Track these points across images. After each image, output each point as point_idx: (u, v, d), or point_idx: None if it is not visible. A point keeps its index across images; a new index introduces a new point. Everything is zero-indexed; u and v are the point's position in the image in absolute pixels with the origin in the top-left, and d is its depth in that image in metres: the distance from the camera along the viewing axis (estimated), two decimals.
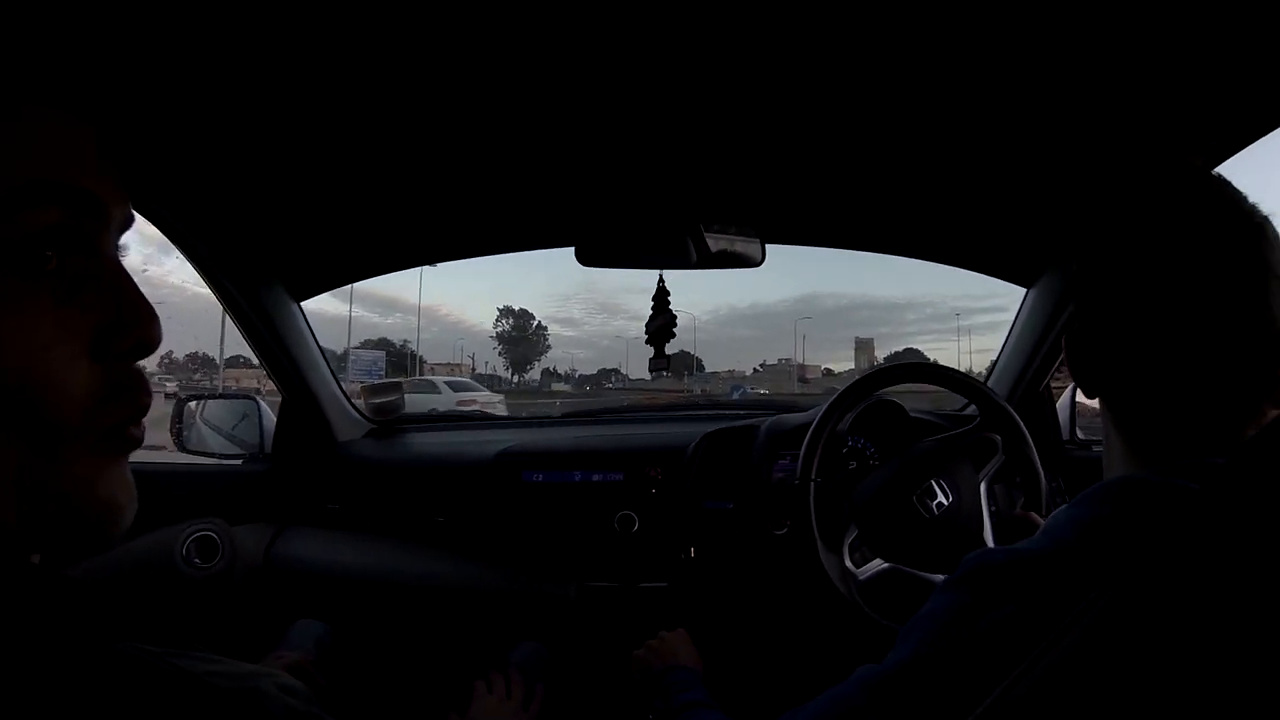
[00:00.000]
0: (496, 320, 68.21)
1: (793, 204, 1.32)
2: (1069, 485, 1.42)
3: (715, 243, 1.28)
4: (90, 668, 0.33)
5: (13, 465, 0.35)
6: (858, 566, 1.19)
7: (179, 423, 1.64)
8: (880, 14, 0.73)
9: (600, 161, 1.14)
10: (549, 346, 71.68)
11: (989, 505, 1.21)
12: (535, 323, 69.38)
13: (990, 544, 1.15)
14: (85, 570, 1.28)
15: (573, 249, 1.31)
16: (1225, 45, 0.78)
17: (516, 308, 70.45)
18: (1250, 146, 0.95)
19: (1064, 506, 0.58)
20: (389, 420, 1.79)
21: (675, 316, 1.31)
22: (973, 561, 0.57)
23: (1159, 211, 0.56)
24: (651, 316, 1.29)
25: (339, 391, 1.71)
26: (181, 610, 1.42)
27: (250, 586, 1.49)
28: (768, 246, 1.33)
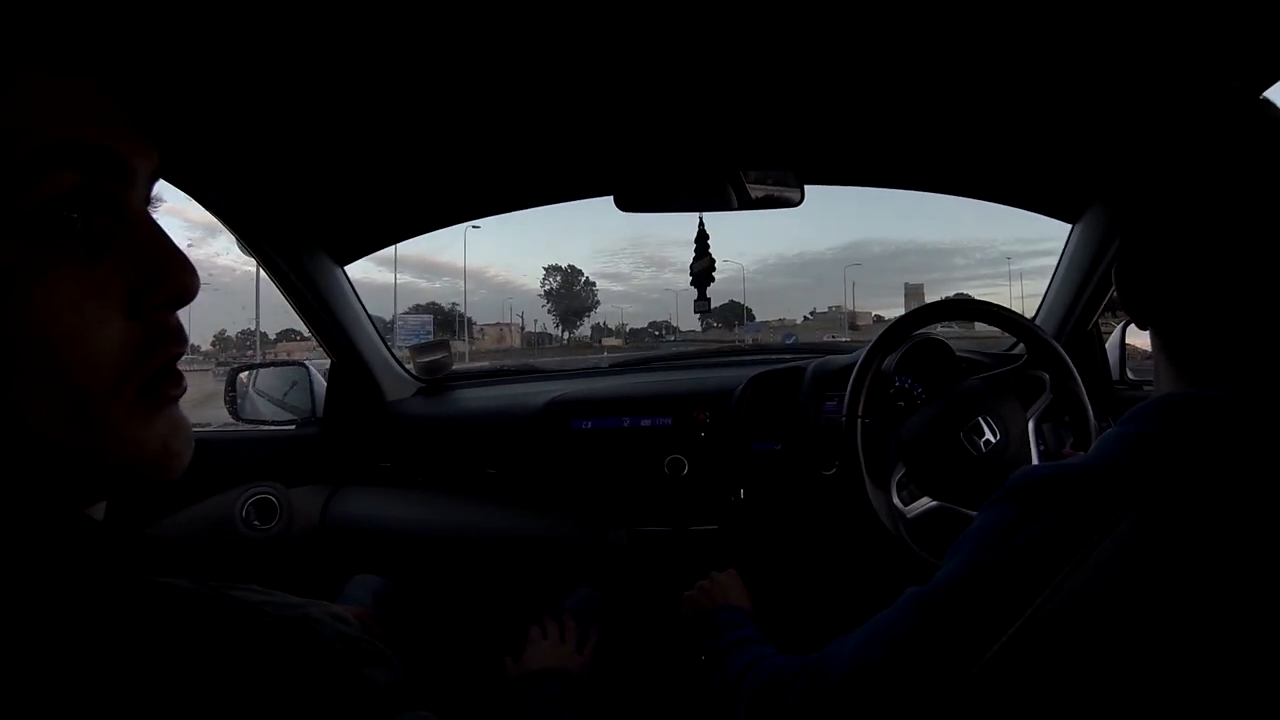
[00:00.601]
0: (544, 278, 68.39)
1: (831, 143, 1.31)
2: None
3: (754, 183, 1.28)
4: (144, 599, 0.33)
5: (60, 423, 0.36)
6: (906, 504, 1.19)
7: (232, 392, 1.68)
8: None
9: (637, 107, 1.13)
10: (598, 302, 71.43)
11: (1037, 444, 1.20)
12: (583, 279, 69.27)
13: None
14: (151, 533, 1.33)
15: (612, 198, 1.31)
16: None
17: (564, 265, 71.00)
18: None
19: (1113, 427, 0.58)
20: (437, 378, 1.82)
21: (714, 260, 1.31)
22: (1017, 478, 0.57)
23: (1203, 137, 0.55)
24: (695, 259, 1.30)
25: (386, 353, 1.74)
26: (242, 570, 1.46)
27: (308, 546, 1.54)
28: (809, 188, 1.32)
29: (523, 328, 64.46)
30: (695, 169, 1.29)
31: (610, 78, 1.03)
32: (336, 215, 1.44)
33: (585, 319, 67.46)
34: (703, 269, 1.30)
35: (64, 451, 0.36)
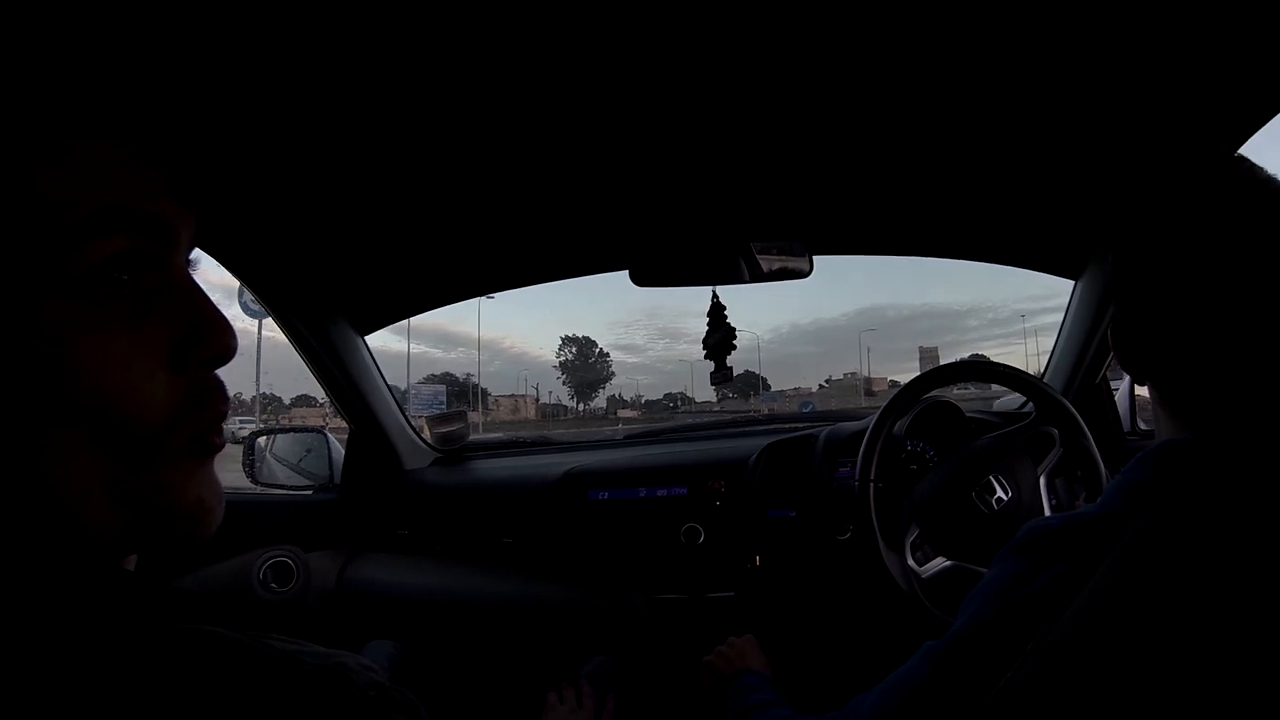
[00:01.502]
0: (559, 349, 68.15)
1: (837, 213, 1.35)
2: None
3: (764, 256, 1.31)
4: (185, 647, 0.35)
5: (102, 476, 0.38)
6: (920, 565, 1.20)
7: (251, 456, 1.70)
8: (912, 22, 0.76)
9: (649, 184, 1.18)
10: (613, 374, 71.02)
11: (1049, 499, 1.21)
12: (598, 350, 68.94)
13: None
14: None
15: (627, 273, 1.35)
16: (1240, 30, 0.80)
17: (579, 335, 69.92)
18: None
19: (1117, 476, 0.60)
20: (454, 449, 1.84)
21: (734, 329, 1.34)
22: (1026, 530, 0.60)
23: (1187, 198, 0.58)
24: (709, 332, 1.33)
25: (405, 422, 1.76)
26: (258, 626, 1.46)
27: (324, 610, 1.54)
28: (819, 258, 1.36)
29: (538, 399, 64.23)
30: (707, 243, 1.33)
31: (623, 155, 1.07)
32: (359, 285, 1.48)
33: (600, 390, 67.34)
34: (719, 340, 1.33)
35: (105, 504, 0.38)
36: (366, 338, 1.64)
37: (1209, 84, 0.91)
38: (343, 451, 1.73)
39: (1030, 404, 1.44)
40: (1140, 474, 0.56)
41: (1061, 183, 1.21)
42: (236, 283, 1.37)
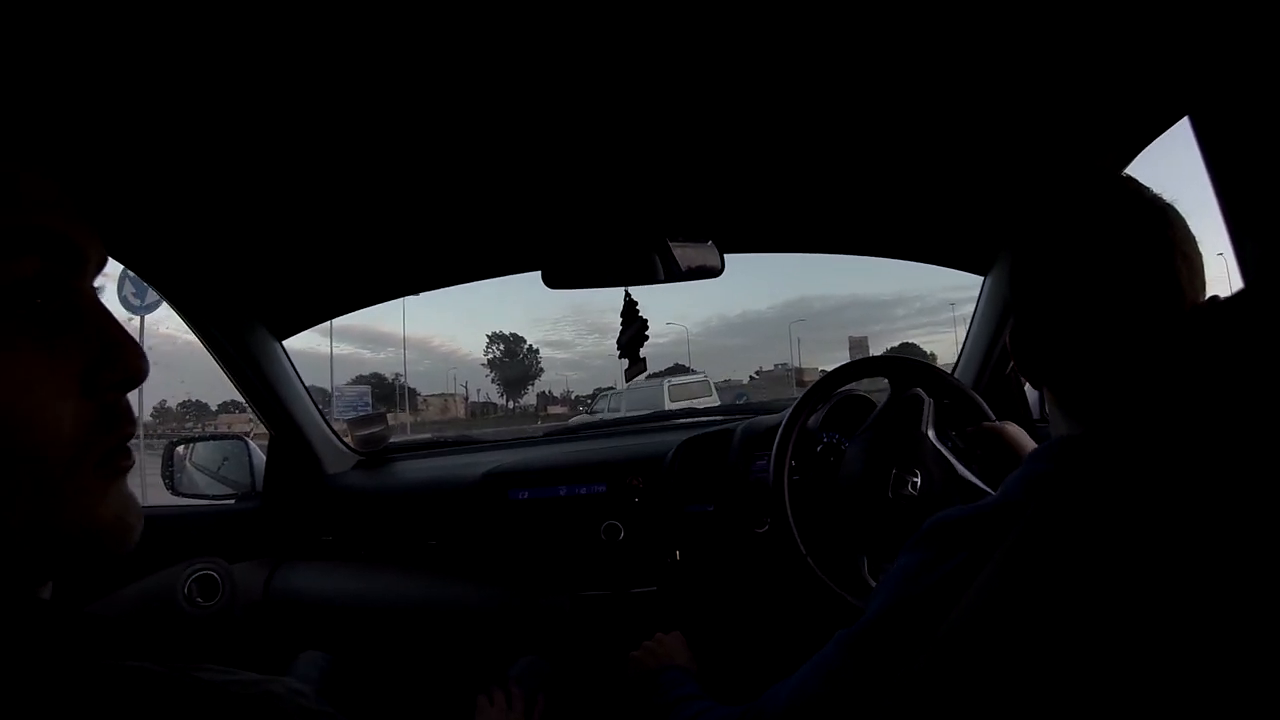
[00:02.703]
0: (487, 346, 66.28)
1: (747, 211, 1.36)
2: None
3: (676, 255, 1.32)
4: (111, 683, 0.35)
5: (15, 503, 0.38)
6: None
7: (170, 466, 1.67)
8: (826, 18, 0.77)
9: (561, 184, 1.18)
10: (542, 370, 69.35)
11: (945, 446, 1.24)
12: (526, 346, 67.16)
13: (978, 484, 1.19)
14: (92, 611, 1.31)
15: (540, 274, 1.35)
16: (1130, 54, 0.84)
17: (507, 333, 68.16)
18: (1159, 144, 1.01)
19: (1017, 469, 0.63)
20: (376, 450, 1.83)
21: (646, 322, 1.35)
22: (930, 522, 0.63)
23: (1074, 213, 0.61)
24: (622, 330, 1.34)
25: (325, 426, 1.75)
26: (186, 648, 1.45)
27: (251, 622, 1.53)
28: (741, 255, 1.38)
29: (467, 398, 62.97)
30: (619, 244, 1.33)
31: (534, 156, 1.06)
32: (274, 290, 1.46)
33: (530, 387, 66.10)
34: (633, 336, 1.34)
35: (20, 529, 0.38)
36: (285, 341, 1.61)
37: (1103, 100, 0.95)
38: (264, 458, 1.71)
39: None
40: (1040, 466, 0.59)
41: (968, 181, 1.24)
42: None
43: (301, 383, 1.66)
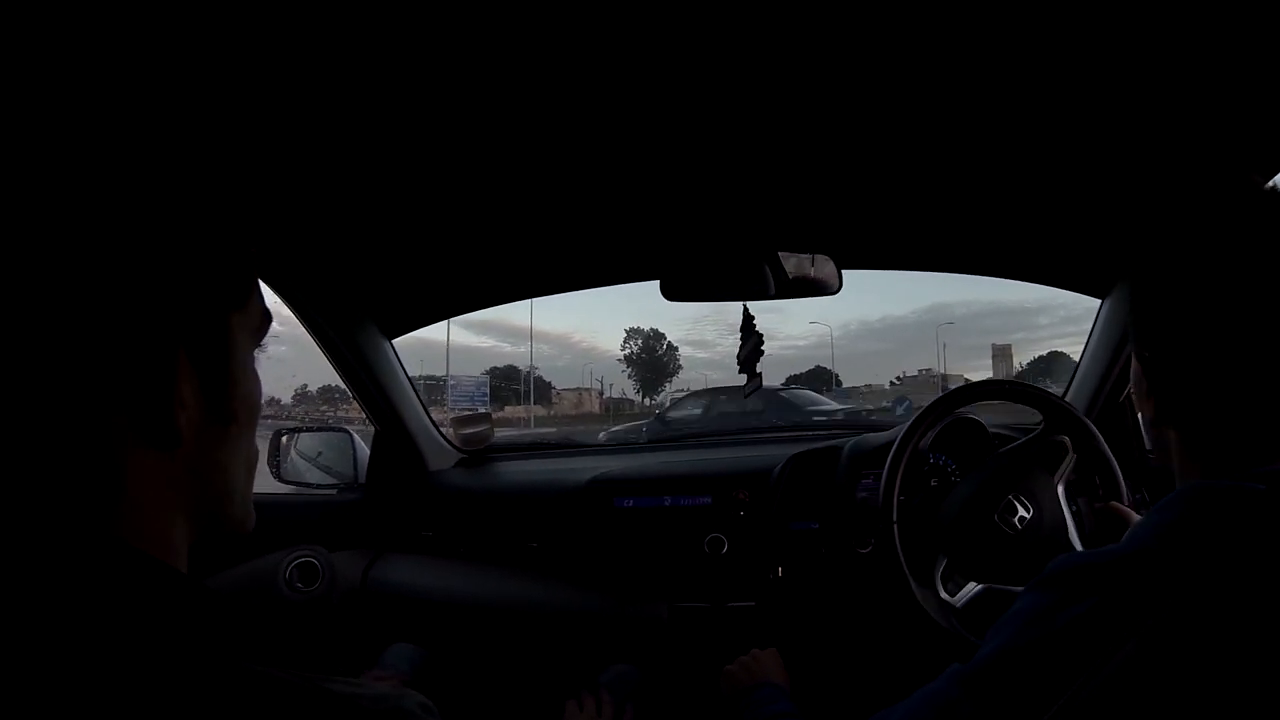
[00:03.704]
0: (624, 342, 65.49)
1: (868, 228, 1.35)
2: (1153, 496, 1.41)
3: (793, 271, 1.32)
4: (246, 689, 0.37)
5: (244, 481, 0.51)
6: (953, 595, 1.20)
7: (276, 455, 1.72)
8: (949, 38, 0.76)
9: (679, 195, 1.18)
10: (680, 367, 67.50)
11: (1069, 507, 1.21)
12: (665, 343, 65.82)
13: (1078, 546, 1.16)
14: None
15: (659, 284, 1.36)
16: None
17: (646, 329, 66.39)
18: None
19: (1143, 517, 0.61)
20: (478, 450, 1.86)
21: (762, 337, 1.35)
22: (1056, 564, 0.61)
23: (1230, 236, 0.57)
24: (741, 344, 1.34)
25: (430, 423, 1.78)
26: (285, 631, 1.49)
27: (348, 609, 1.57)
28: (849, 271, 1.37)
29: (602, 393, 62.20)
30: (738, 258, 1.34)
31: (653, 165, 1.07)
32: (386, 291, 1.50)
33: (667, 385, 63.90)
34: (750, 351, 1.34)
35: (240, 504, 0.51)
36: (394, 341, 1.66)
37: (1246, 111, 0.91)
38: (368, 451, 1.75)
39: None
40: (1171, 514, 0.56)
41: (1090, 202, 1.21)
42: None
43: (410, 380, 1.70)
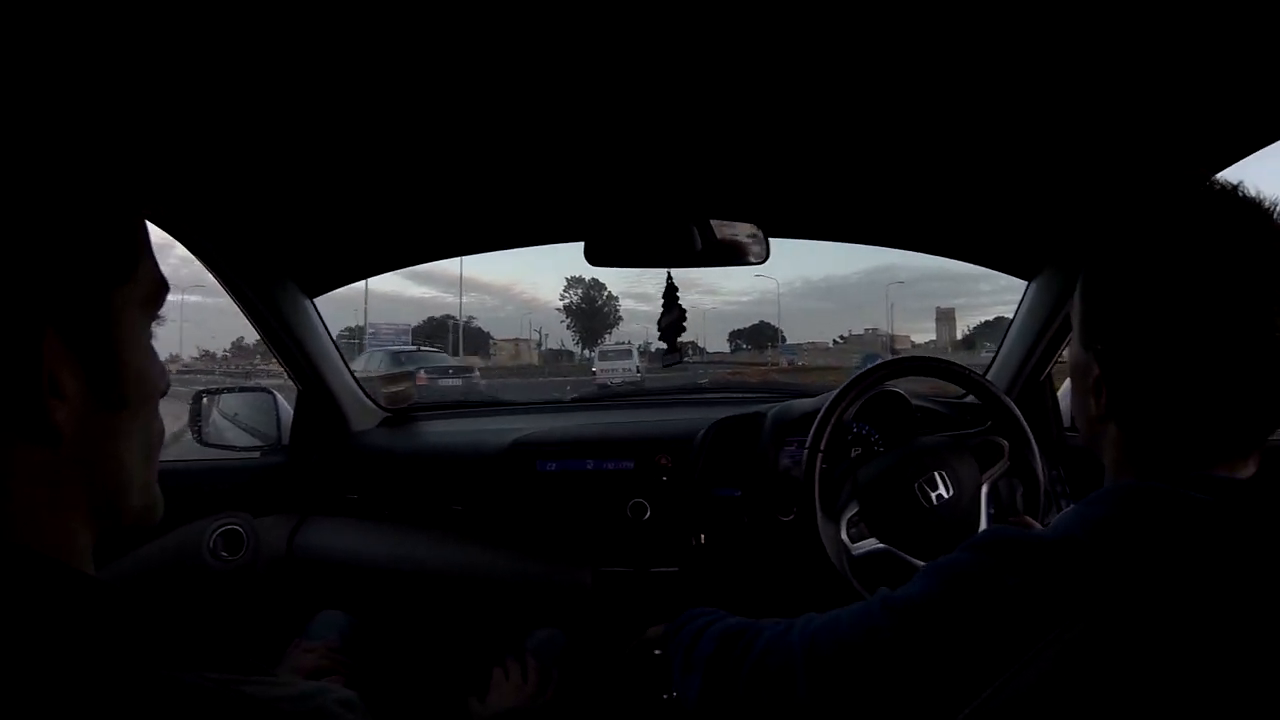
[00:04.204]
0: (564, 291, 63.79)
1: (796, 198, 1.34)
2: (1068, 474, 1.46)
3: (721, 238, 1.30)
4: (161, 697, 0.36)
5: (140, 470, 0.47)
6: (853, 541, 1.22)
7: (198, 418, 1.67)
8: (885, 10, 0.74)
9: (606, 157, 1.15)
10: (621, 318, 66.40)
11: (989, 507, 1.23)
12: (606, 294, 64.53)
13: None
14: (119, 566, 1.33)
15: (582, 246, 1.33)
16: (1232, 53, 0.79)
17: (587, 278, 64.45)
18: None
19: (1072, 506, 0.62)
20: (402, 408, 1.83)
21: (685, 311, 1.33)
22: (990, 533, 0.63)
23: (1198, 236, 0.56)
24: (663, 313, 1.32)
25: (353, 383, 1.75)
26: (210, 602, 1.47)
27: (274, 576, 1.55)
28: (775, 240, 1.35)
29: (540, 344, 61.02)
30: (663, 223, 1.31)
31: (581, 127, 1.04)
32: (306, 249, 1.45)
33: (607, 336, 62.34)
34: (672, 322, 1.33)
35: (142, 492, 0.48)
36: (316, 299, 1.61)
37: (1198, 109, 0.91)
38: (290, 411, 1.71)
39: (970, 396, 1.46)
40: (1101, 510, 0.58)
41: (1024, 186, 1.21)
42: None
43: (332, 340, 1.66)
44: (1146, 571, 0.51)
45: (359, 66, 0.84)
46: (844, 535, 1.23)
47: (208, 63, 0.81)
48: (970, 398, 1.54)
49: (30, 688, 0.34)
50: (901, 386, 1.50)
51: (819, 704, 0.65)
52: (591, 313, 62.94)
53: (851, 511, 1.24)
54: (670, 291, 1.32)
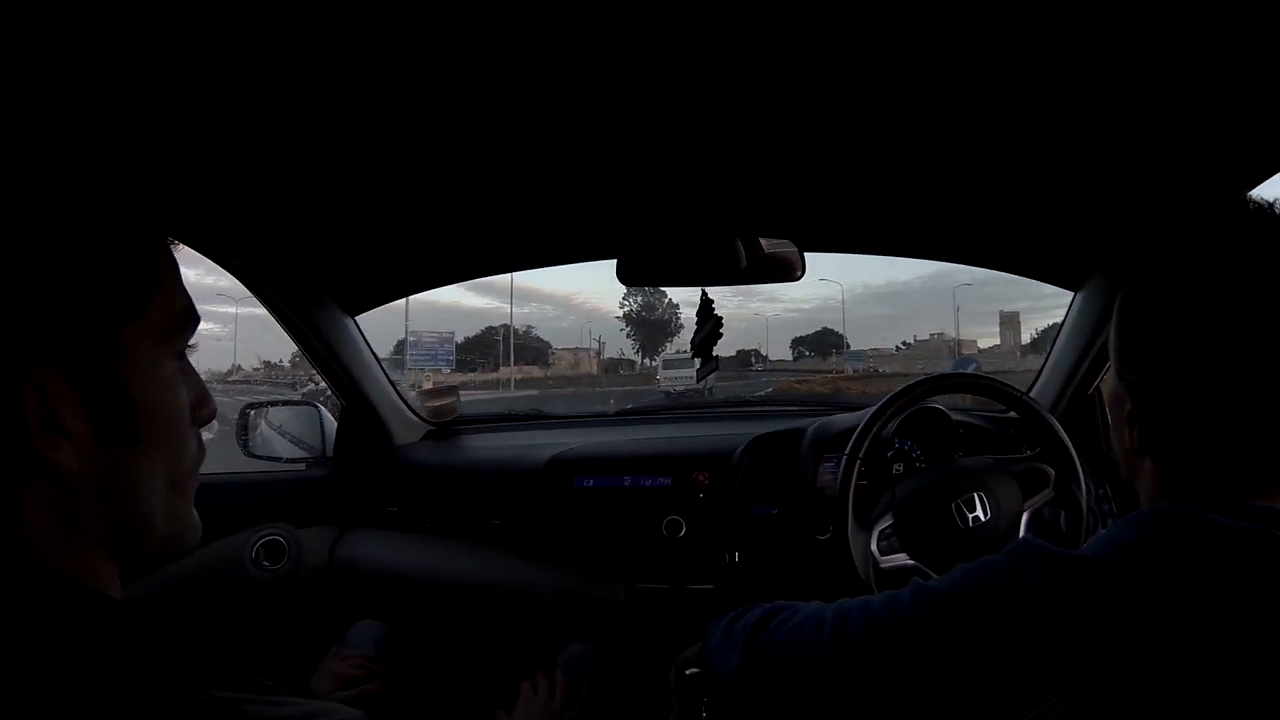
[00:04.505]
0: (623, 299, 62.22)
1: (831, 211, 1.32)
2: (1115, 492, 1.40)
3: (756, 255, 1.29)
4: (171, 716, 0.37)
5: (161, 499, 0.48)
6: (883, 555, 1.20)
7: (244, 432, 1.72)
8: (924, 22, 0.73)
9: (639, 175, 1.15)
10: (682, 326, 63.41)
11: (1028, 533, 1.20)
12: (666, 300, 62.19)
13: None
14: (163, 577, 1.37)
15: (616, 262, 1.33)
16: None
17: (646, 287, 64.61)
18: None
19: (1105, 529, 0.62)
20: (445, 422, 1.86)
21: (721, 320, 1.33)
22: (1023, 541, 0.63)
23: (1236, 264, 0.55)
24: (697, 328, 1.31)
25: (396, 397, 1.78)
26: (252, 610, 1.51)
27: (315, 586, 1.58)
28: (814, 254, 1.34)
29: (599, 353, 60.86)
30: (696, 240, 1.30)
31: (613, 144, 1.04)
32: (345, 269, 1.48)
33: (668, 344, 60.77)
34: (707, 335, 1.32)
35: (162, 523, 0.48)
36: (358, 317, 1.65)
37: (1230, 105, 0.87)
38: (335, 424, 1.76)
39: (1013, 412, 1.42)
40: (1133, 534, 0.56)
41: (1067, 194, 1.17)
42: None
43: (375, 356, 1.70)
44: (1176, 601, 0.50)
45: (393, 83, 0.85)
46: (874, 547, 1.20)
47: (238, 80, 0.81)
48: (1013, 413, 1.50)
49: (36, 704, 0.35)
50: (944, 401, 1.47)
51: (836, 674, 0.66)
52: (652, 321, 61.85)
53: (885, 524, 1.22)
54: (705, 305, 1.31)
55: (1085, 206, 1.21)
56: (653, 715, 1.37)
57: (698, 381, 1.40)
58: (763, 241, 1.29)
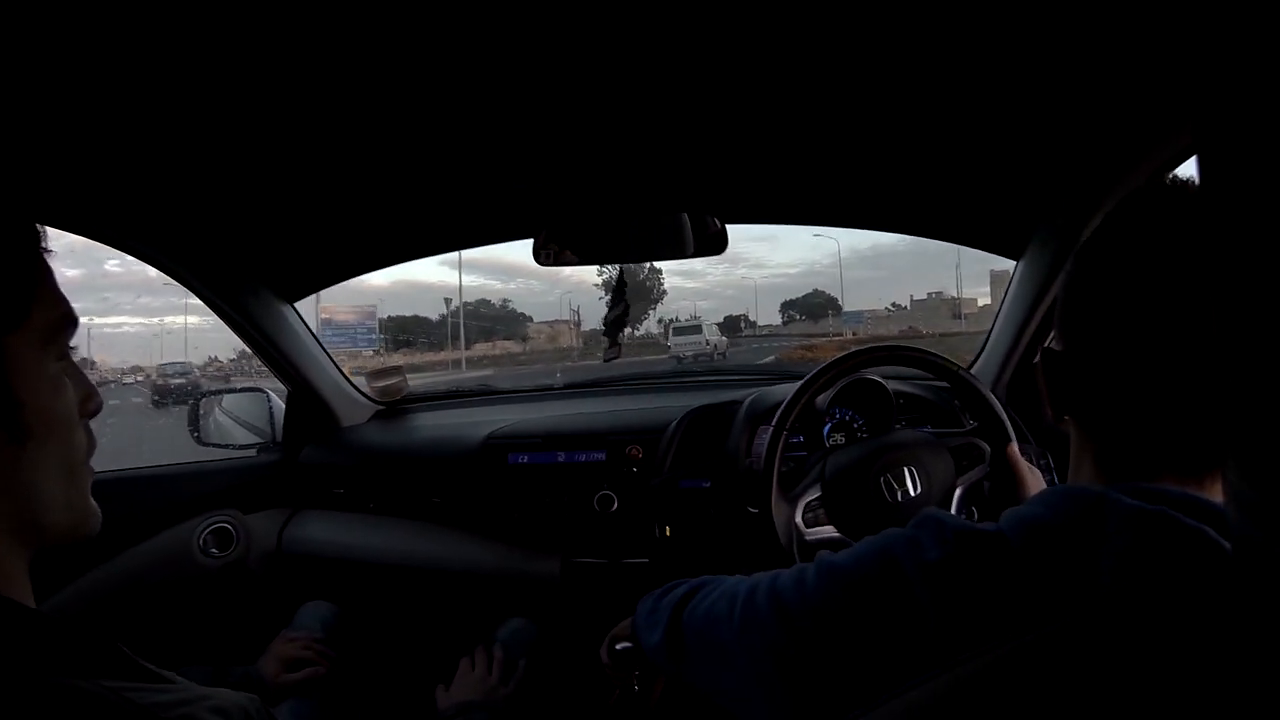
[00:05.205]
0: (602, 267, 62.49)
1: (754, 182, 1.28)
2: (1058, 463, 1.38)
3: (673, 231, 1.27)
4: (40, 702, 0.38)
5: (56, 490, 0.51)
6: (809, 526, 1.18)
7: (195, 422, 1.74)
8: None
9: (562, 153, 1.13)
10: (664, 292, 60.86)
11: (960, 509, 1.18)
12: (648, 267, 62.09)
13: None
14: (110, 568, 1.39)
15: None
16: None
17: None
18: None
19: (1019, 505, 0.60)
20: (394, 401, 1.87)
21: (629, 306, 1.31)
22: (926, 512, 0.63)
23: (1156, 234, 0.53)
24: (609, 309, 1.30)
25: (341, 379, 1.79)
26: (202, 599, 1.54)
27: (265, 570, 1.61)
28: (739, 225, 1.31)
29: (578, 324, 58.19)
30: (614, 219, 1.29)
31: (534, 129, 1.02)
32: (277, 257, 1.47)
33: (650, 312, 57.34)
34: (617, 317, 1.31)
35: (61, 513, 0.51)
36: (296, 303, 1.65)
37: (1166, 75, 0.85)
38: (284, 408, 1.77)
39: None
40: (1039, 511, 0.56)
41: (1006, 162, 1.15)
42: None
43: (317, 340, 1.70)
44: (1070, 580, 0.49)
45: (316, 66, 0.82)
46: (799, 519, 1.19)
47: (169, 77, 0.79)
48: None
49: None
50: (883, 371, 1.44)
51: (745, 648, 0.67)
52: (632, 287, 60.59)
53: (812, 496, 1.20)
54: (619, 286, 1.29)
55: (1023, 174, 1.18)
56: (590, 688, 1.39)
57: (604, 360, 1.38)
58: (678, 215, 1.26)
